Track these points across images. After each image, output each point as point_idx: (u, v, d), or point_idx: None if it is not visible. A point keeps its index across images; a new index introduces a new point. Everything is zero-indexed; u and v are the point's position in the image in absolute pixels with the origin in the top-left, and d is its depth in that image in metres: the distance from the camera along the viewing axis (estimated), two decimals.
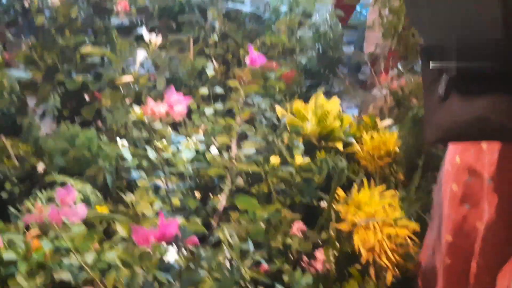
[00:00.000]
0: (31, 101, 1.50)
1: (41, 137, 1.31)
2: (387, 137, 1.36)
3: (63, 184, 1.23)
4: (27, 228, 1.03)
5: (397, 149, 1.33)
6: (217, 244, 0.96)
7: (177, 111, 0.77)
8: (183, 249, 0.78)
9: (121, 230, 0.78)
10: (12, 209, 1.07)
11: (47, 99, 1.45)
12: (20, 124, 1.28)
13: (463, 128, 0.64)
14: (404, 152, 1.32)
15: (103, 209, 1.18)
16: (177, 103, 0.77)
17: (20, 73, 1.29)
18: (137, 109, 0.76)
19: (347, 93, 1.89)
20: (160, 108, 0.76)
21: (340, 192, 1.07)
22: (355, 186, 1.06)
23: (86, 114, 1.55)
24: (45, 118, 1.49)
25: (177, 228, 0.71)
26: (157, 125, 0.76)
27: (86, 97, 1.59)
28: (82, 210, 0.82)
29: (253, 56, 1.04)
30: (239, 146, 1.08)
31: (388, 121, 1.50)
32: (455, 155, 0.78)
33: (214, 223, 1.03)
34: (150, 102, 0.75)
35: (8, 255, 0.92)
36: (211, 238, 0.97)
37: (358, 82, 2.19)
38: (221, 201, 1.05)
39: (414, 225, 0.97)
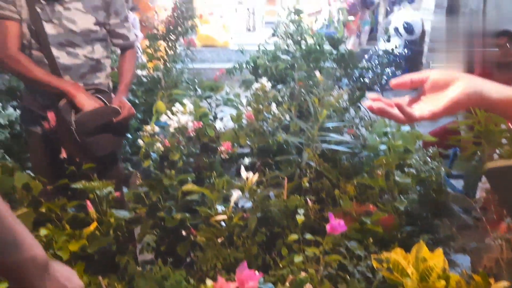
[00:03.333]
0: (131, 238, 1.58)
1: (136, 275, 1.34)
2: None
3: None
4: None
5: None
6: None
7: (248, 287, 0.73)
8: None
9: None
10: None
11: (146, 236, 1.52)
12: (118, 262, 1.34)
13: None
14: None
15: None
16: (249, 279, 0.74)
17: (125, 213, 1.39)
18: (209, 282, 0.74)
19: (455, 241, 1.70)
20: (230, 286, 0.73)
21: None
22: None
23: (181, 251, 1.59)
24: (142, 254, 1.55)
25: None
26: None
27: (183, 233, 1.65)
28: None
29: (333, 223, 1.00)
30: None
31: (504, 283, 1.28)
32: None
33: None
34: (221, 280, 0.73)
35: None
36: None
37: (468, 228, 1.97)
38: None
39: None
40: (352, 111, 2.94)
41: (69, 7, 1.76)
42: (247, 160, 2.13)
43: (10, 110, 2.66)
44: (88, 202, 1.37)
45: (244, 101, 3.14)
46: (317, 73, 1.76)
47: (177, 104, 1.65)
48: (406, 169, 1.82)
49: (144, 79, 3.10)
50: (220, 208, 1.67)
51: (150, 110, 2.87)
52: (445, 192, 1.71)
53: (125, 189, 2.96)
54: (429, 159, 1.76)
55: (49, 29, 1.74)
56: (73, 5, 1.77)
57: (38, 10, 1.72)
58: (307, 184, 1.58)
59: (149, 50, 3.43)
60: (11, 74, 2.26)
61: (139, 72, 3.03)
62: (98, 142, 1.83)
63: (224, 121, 2.44)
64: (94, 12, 1.82)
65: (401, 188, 1.73)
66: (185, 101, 1.69)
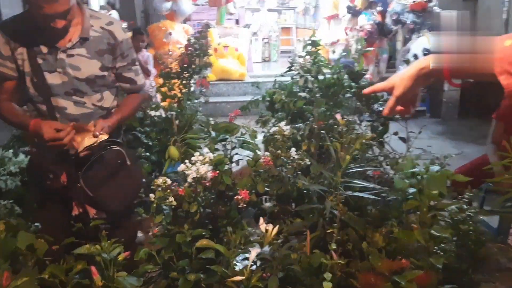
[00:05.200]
0: None
1: None
2: None
3: None
4: None
5: None
6: None
7: None
8: None
9: None
10: None
11: None
12: None
13: None
14: None
15: None
16: None
17: (133, 280, 1.29)
18: None
19: None
20: None
21: None
22: None
23: None
24: None
25: None
26: None
27: None
28: None
29: None
30: None
31: None
32: None
33: None
34: None
35: None
36: None
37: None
38: None
39: None
40: (374, 147, 2.82)
41: (72, 53, 1.72)
42: (267, 205, 2.02)
43: (21, 156, 2.63)
44: (93, 269, 1.28)
45: (260, 137, 3.05)
46: (338, 116, 1.66)
47: (197, 153, 1.56)
48: (440, 216, 1.68)
49: (157, 119, 3.06)
50: (238, 259, 1.56)
51: (165, 151, 2.81)
52: (485, 243, 1.57)
53: (140, 234, 2.87)
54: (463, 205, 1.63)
55: (54, 79, 1.70)
56: (76, 51, 1.73)
57: (40, 61, 1.68)
58: (334, 246, 1.47)
59: (163, 89, 3.41)
60: None
61: (152, 113, 2.99)
62: (111, 195, 1.76)
63: (241, 164, 2.35)
64: (100, 57, 1.77)
65: (438, 242, 1.59)
66: (205, 150, 1.61)
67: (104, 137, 1.66)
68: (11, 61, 1.67)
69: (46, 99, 1.69)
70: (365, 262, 1.64)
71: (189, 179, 1.52)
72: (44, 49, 1.67)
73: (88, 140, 1.61)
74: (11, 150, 2.66)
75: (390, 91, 1.13)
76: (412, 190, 1.94)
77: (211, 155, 1.58)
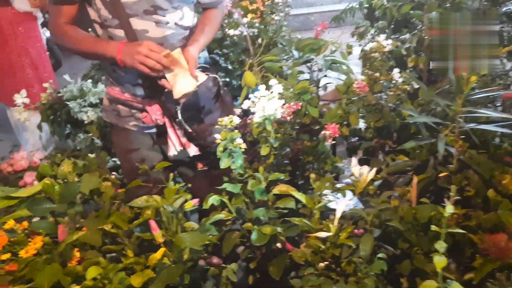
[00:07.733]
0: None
1: None
2: None
3: None
4: None
5: None
6: None
7: None
8: None
9: None
10: None
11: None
12: None
13: None
14: None
15: None
16: None
17: (198, 237, 1.13)
18: None
19: None
20: None
21: None
22: None
23: (274, 272, 1.31)
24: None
25: None
26: None
27: (278, 245, 1.37)
28: None
29: None
30: None
31: None
32: None
33: None
34: None
35: None
36: None
37: None
38: None
39: None
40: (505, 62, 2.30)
41: None
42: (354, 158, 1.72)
43: (101, 87, 2.58)
44: (153, 223, 1.14)
45: (357, 51, 2.65)
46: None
47: (262, 86, 1.29)
48: None
49: (237, 39, 2.80)
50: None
51: None
52: None
53: None
54: None
55: None
56: None
57: None
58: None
59: (243, 3, 3.10)
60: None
61: (231, 32, 2.73)
62: (209, 129, 1.56)
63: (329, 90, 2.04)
64: None
65: None
66: (272, 81, 1.33)
67: (203, 77, 1.44)
68: None
69: (123, 21, 1.46)
70: (490, 214, 1.31)
71: (256, 119, 1.28)
72: None
73: (185, 84, 1.39)
74: (90, 80, 2.62)
75: None
76: None
77: (280, 87, 1.29)
